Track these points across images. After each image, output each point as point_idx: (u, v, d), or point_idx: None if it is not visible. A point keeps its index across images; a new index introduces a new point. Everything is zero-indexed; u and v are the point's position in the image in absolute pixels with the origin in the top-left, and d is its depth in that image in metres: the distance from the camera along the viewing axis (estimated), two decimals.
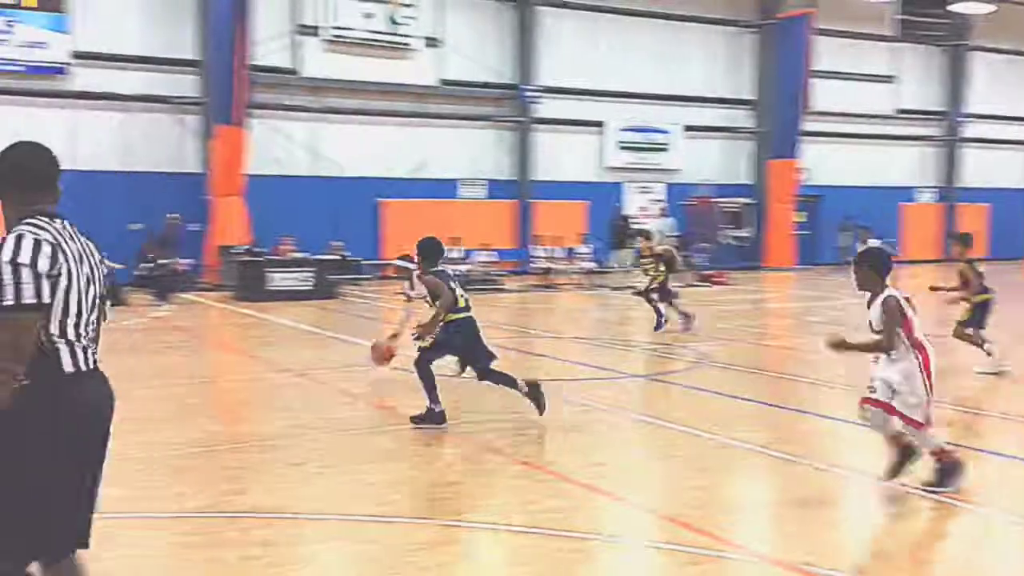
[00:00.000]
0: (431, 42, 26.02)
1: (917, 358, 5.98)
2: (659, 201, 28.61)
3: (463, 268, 22.93)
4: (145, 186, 22.16)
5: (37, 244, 3.08)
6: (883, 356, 6.05)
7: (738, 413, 8.97)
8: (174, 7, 23.00)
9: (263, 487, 6.41)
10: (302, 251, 21.07)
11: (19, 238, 3.08)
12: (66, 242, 3.18)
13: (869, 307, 6.13)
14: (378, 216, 25.52)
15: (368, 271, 24.43)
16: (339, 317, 17.45)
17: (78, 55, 21.93)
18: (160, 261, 19.93)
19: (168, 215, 20.56)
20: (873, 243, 17.30)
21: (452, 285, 8.27)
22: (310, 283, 20.13)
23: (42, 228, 3.15)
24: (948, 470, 6.13)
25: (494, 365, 8.39)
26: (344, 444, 7.67)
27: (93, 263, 3.31)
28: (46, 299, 3.06)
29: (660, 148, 29.88)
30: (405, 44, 25.63)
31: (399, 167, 25.73)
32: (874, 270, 6.10)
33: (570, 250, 25.17)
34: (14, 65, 21.42)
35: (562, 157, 28.14)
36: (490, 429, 8.17)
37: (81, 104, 22.11)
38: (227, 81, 21.66)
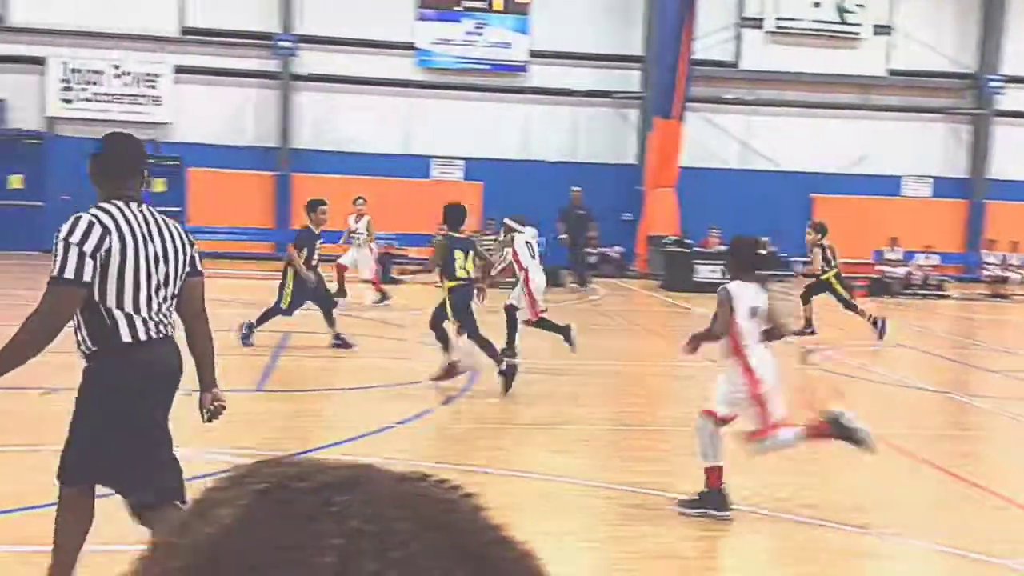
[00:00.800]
0: (880, 30, 24.58)
1: (739, 363, 5.53)
2: None
3: (901, 271, 21.50)
4: (587, 176, 23.42)
5: (90, 225, 3.44)
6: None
7: None
8: (625, 6, 24.03)
9: (691, 472, 6.53)
10: (728, 244, 21.04)
11: (77, 219, 3.46)
12: (130, 226, 3.50)
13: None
14: (810, 212, 24.70)
15: (796, 267, 23.78)
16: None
17: (535, 54, 23.75)
18: (562, 236, 20.50)
19: (572, 188, 20.84)
20: None
21: (456, 254, 8.71)
22: None
23: (105, 211, 3.50)
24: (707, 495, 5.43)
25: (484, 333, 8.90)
26: None
27: (168, 245, 3.62)
28: (86, 277, 3.41)
29: None
30: (852, 33, 24.49)
31: (836, 162, 24.69)
32: (732, 261, 5.83)
33: None
34: (481, 64, 23.74)
35: None
36: (915, 438, 7.61)
37: (535, 99, 23.94)
38: (669, 76, 22.20)
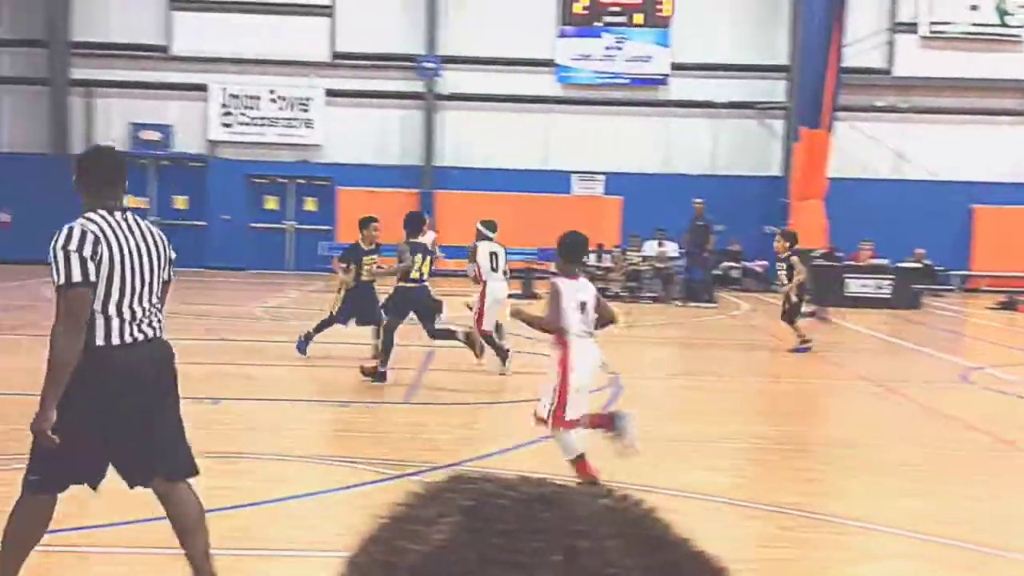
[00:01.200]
0: None
1: (558, 353, 5.76)
2: None
3: None
4: (729, 189, 23.03)
5: (83, 234, 3.69)
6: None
7: None
8: (769, 15, 23.56)
9: (847, 493, 6.32)
10: (881, 257, 20.28)
11: (70, 229, 3.72)
12: (115, 233, 3.75)
13: None
14: (970, 223, 23.53)
15: (954, 282, 22.69)
16: (919, 329, 16.46)
17: (676, 66, 23.53)
18: (685, 250, 19.95)
19: (695, 200, 20.17)
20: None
21: (416, 258, 9.41)
22: (888, 291, 19.29)
23: (92, 221, 3.75)
24: None
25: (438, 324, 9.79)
26: (930, 461, 7.24)
27: (152, 251, 3.87)
28: (92, 278, 3.67)
29: None
30: (1014, 35, 23.23)
31: (998, 170, 23.42)
32: (562, 256, 6.04)
33: None
34: (620, 78, 23.69)
35: None
36: None
37: (675, 112, 23.71)
38: (816, 84, 21.56)
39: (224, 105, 23.33)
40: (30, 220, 22.65)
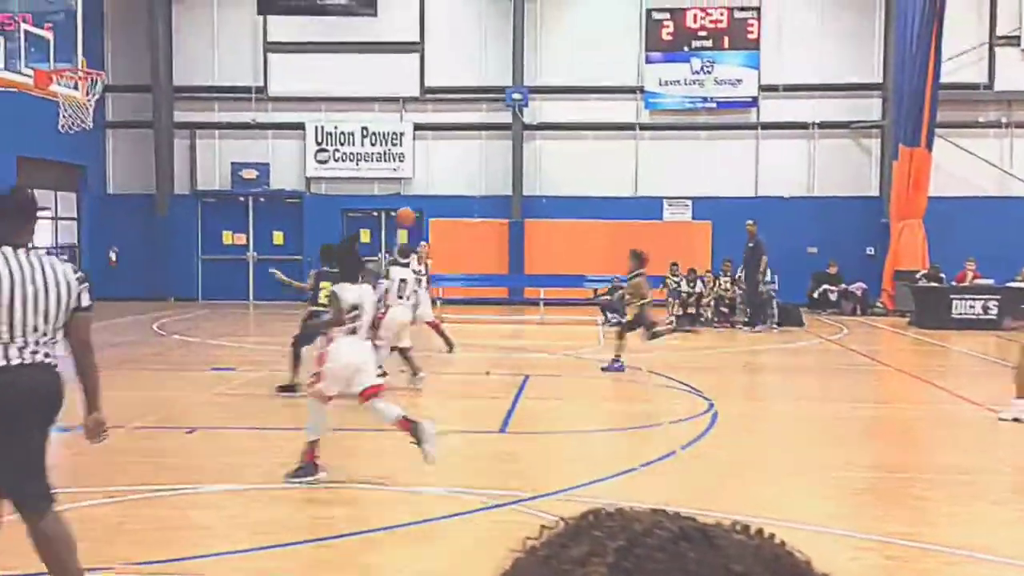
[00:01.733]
0: None
1: (324, 343, 6.96)
2: None
3: None
4: (824, 211, 22.59)
5: None
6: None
7: None
8: (860, 32, 23.11)
9: (957, 522, 6.08)
10: (986, 277, 19.56)
11: None
12: (10, 267, 4.10)
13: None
14: None
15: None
16: None
17: (765, 88, 23.23)
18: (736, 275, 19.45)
19: (747, 221, 19.38)
20: None
21: (323, 285, 9.74)
22: (995, 312, 18.59)
23: None
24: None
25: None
26: None
27: (51, 286, 4.17)
28: None
29: None
30: None
31: None
32: (340, 267, 7.14)
33: None
34: (708, 103, 23.49)
35: None
36: None
37: (766, 135, 23.38)
38: (914, 102, 21.05)
39: (319, 142, 23.94)
40: (135, 258, 23.59)
